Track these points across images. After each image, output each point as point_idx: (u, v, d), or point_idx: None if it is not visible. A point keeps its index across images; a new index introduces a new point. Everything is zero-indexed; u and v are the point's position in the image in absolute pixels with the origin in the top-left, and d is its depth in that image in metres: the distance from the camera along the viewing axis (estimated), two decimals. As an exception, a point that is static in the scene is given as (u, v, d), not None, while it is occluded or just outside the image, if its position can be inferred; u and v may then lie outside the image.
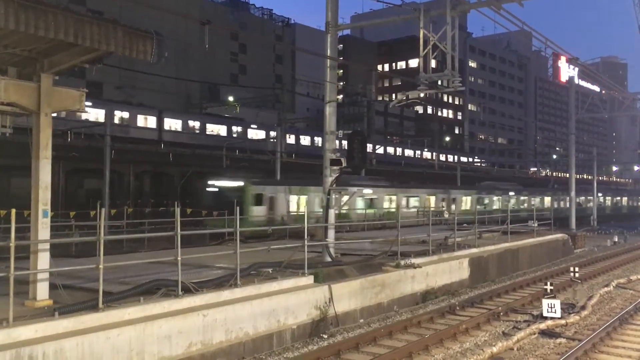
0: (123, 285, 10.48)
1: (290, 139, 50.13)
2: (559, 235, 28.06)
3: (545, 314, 13.39)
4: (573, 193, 38.53)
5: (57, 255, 11.43)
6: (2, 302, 8.58)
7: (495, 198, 47.45)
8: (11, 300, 8.00)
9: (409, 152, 70.09)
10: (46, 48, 9.07)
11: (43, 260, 9.30)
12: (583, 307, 14.58)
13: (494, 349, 10.92)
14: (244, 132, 48.28)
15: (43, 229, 9.33)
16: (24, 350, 7.66)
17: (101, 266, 9.05)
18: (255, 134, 49.20)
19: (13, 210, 8.14)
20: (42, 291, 9.33)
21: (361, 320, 13.48)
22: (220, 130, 47.04)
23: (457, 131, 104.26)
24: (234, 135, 46.95)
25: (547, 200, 53.92)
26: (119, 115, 39.59)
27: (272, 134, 46.96)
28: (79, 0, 53.75)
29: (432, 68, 16.37)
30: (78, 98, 9.76)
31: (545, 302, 13.64)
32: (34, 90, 9.20)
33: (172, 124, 43.46)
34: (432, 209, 39.39)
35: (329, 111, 16.20)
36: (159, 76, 38.80)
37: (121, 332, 8.79)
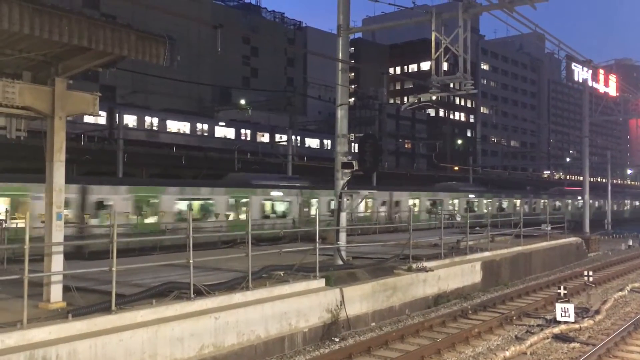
0: (136, 288, 10.54)
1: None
2: (572, 239, 27.82)
3: (558, 318, 13.26)
4: (587, 196, 38.21)
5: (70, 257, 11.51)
6: (16, 303, 8.67)
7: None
8: (25, 302, 8.07)
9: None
10: (60, 52, 9.16)
11: (57, 262, 9.39)
12: (597, 312, 14.43)
13: (507, 353, 10.84)
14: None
15: (57, 232, 9.41)
16: (37, 352, 7.72)
17: (114, 268, 9.11)
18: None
19: (27, 213, 8.22)
20: (56, 293, 9.41)
21: (373, 324, 13.43)
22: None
23: (469, 134, 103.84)
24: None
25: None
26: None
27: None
28: (93, 5, 54.36)
29: (444, 71, 16.30)
30: (92, 102, 9.85)
31: (559, 306, 13.51)
32: (48, 94, 9.30)
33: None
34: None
35: (341, 114, 16.20)
36: (171, 79, 39.63)
37: (134, 335, 8.83)
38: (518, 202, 48.41)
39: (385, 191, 36.85)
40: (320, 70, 74.03)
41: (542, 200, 51.91)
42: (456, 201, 42.52)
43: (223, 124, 48.91)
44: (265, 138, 51.03)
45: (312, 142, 55.20)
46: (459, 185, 48.19)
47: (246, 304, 10.78)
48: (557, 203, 52.96)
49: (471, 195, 44.50)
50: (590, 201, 56.50)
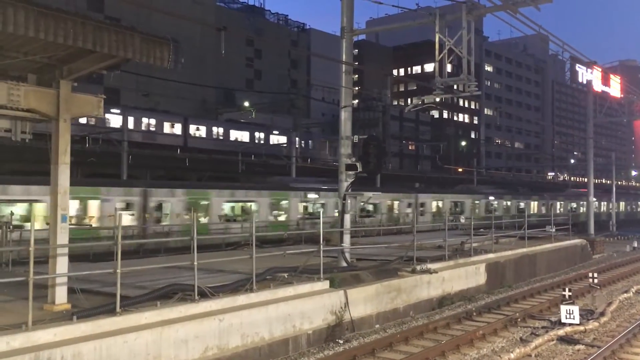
0: (140, 290, 10.56)
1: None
2: (577, 241, 27.75)
3: (563, 320, 13.23)
4: (591, 198, 38.09)
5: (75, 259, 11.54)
6: (21, 305, 8.69)
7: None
8: (30, 304, 8.10)
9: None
10: (65, 55, 9.19)
11: (62, 264, 9.41)
12: (602, 314, 14.39)
13: (512, 355, 10.81)
14: None
15: (62, 234, 9.44)
16: (42, 354, 7.74)
17: (118, 270, 9.13)
18: None
19: (33, 215, 8.25)
20: (61, 295, 9.44)
21: (377, 326, 13.42)
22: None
23: (473, 136, 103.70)
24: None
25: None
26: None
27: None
28: (97, 8, 54.57)
29: (448, 72, 16.29)
30: (96, 104, 9.89)
31: (564, 308, 13.48)
32: (53, 97, 9.33)
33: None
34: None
35: (344, 116, 16.20)
36: (174, 82, 39.49)
37: (138, 336, 8.85)
38: (397, 203, 39.89)
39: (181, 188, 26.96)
40: (324, 72, 73.92)
41: (444, 201, 44.14)
42: (322, 201, 33.10)
43: (117, 111, 41.44)
44: (177, 129, 45.16)
45: (242, 135, 50.13)
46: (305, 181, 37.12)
47: (250, 305, 10.79)
48: (466, 202, 45.61)
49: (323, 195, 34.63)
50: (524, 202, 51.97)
